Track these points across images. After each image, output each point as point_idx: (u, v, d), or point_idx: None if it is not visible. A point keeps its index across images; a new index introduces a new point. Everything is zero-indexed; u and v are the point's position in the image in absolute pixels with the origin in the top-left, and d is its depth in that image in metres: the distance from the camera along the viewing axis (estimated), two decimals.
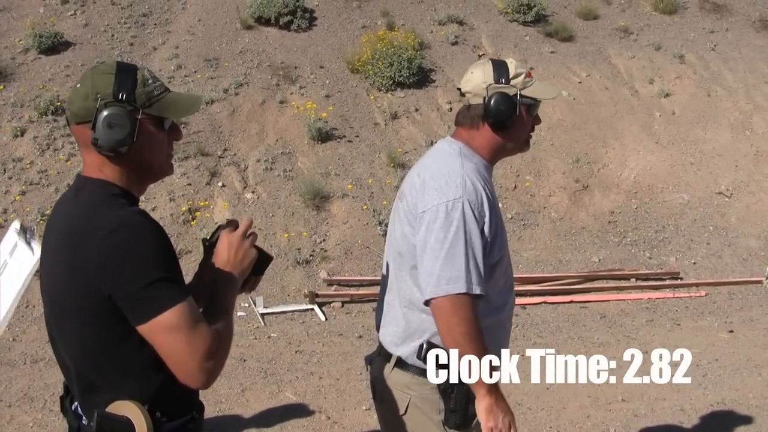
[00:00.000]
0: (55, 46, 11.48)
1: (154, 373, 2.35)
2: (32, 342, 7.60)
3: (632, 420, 6.47)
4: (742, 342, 8.39)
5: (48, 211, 9.12)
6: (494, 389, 2.93)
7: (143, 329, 2.25)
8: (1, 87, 10.67)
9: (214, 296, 2.47)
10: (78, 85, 2.42)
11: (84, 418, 2.42)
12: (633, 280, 10.07)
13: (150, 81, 2.45)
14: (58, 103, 10.38)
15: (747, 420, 6.51)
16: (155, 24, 12.44)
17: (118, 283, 2.22)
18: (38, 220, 9.00)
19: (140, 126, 2.39)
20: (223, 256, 2.54)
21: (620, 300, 9.50)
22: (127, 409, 2.33)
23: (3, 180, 9.52)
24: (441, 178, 3.00)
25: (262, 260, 2.65)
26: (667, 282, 10.14)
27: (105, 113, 2.34)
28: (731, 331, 8.69)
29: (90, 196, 2.35)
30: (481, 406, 2.93)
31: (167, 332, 2.23)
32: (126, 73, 2.41)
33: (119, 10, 12.51)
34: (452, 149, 3.15)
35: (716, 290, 9.98)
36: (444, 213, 2.92)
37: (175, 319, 2.23)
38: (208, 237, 2.66)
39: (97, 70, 2.43)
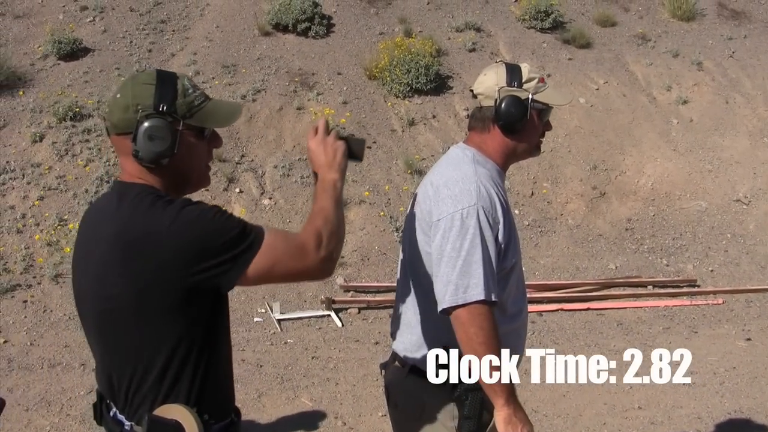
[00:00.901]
0: (74, 52, 11.55)
1: (202, 377, 2.40)
2: (49, 346, 7.64)
3: (649, 428, 6.46)
4: (760, 350, 8.35)
5: (66, 216, 9.17)
6: (512, 399, 2.93)
7: (249, 279, 2.35)
8: (21, 93, 10.74)
9: (314, 199, 2.61)
10: (118, 96, 2.42)
11: (126, 423, 2.42)
12: (650, 287, 10.03)
13: (190, 90, 2.47)
14: (77, 109, 10.44)
15: (764, 428, 6.49)
16: (173, 30, 12.49)
17: (203, 260, 2.28)
18: (56, 224, 9.05)
19: (181, 137, 2.42)
20: (316, 161, 2.70)
21: (637, 307, 9.48)
22: (176, 412, 2.35)
23: (22, 185, 9.57)
24: (455, 186, 3.00)
25: (356, 146, 2.79)
26: (685, 289, 10.09)
27: (146, 125, 2.36)
28: (749, 339, 8.65)
29: (137, 201, 2.35)
30: (500, 416, 2.92)
31: (272, 266, 2.35)
32: (166, 83, 2.43)
33: (138, 16, 12.57)
34: (465, 155, 3.15)
35: (734, 298, 9.93)
36: (459, 221, 2.92)
37: (270, 250, 2.35)
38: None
39: (136, 80, 2.44)
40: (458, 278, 2.87)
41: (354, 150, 2.77)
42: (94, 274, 2.40)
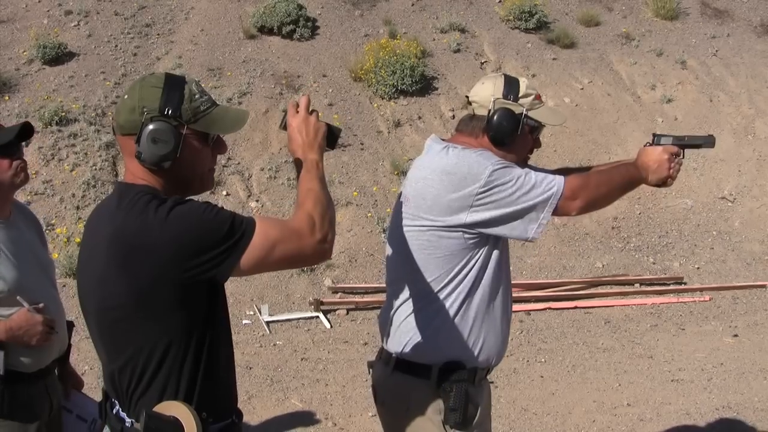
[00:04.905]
0: (59, 56, 11.51)
1: (201, 374, 2.41)
2: None
3: (638, 424, 6.48)
4: (747, 346, 8.39)
5: (53, 221, 9.16)
6: None
7: (244, 268, 2.34)
8: (6, 98, 10.70)
9: (300, 182, 2.55)
10: (125, 97, 2.45)
11: (127, 420, 2.44)
12: (637, 285, 10.09)
13: (197, 96, 2.47)
14: (63, 114, 10.41)
15: (752, 424, 6.51)
16: (158, 34, 12.47)
17: (197, 255, 2.29)
18: (45, 229, 9.03)
19: (184, 141, 2.42)
20: (297, 140, 2.62)
21: (624, 305, 9.51)
22: (175, 409, 2.35)
23: None
24: (463, 164, 3.02)
25: (332, 134, 2.73)
26: (671, 287, 10.14)
27: (150, 128, 2.37)
28: (736, 336, 8.69)
29: (134, 202, 2.35)
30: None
31: (267, 252, 2.34)
32: (174, 87, 2.44)
33: (123, 20, 12.54)
34: (448, 144, 3.14)
35: (720, 295, 9.99)
36: (498, 172, 2.97)
37: (263, 238, 2.33)
38: (280, 125, 2.75)
39: (145, 83, 2.46)
40: (541, 194, 3.01)
41: (330, 137, 2.73)
42: (95, 273, 2.41)
